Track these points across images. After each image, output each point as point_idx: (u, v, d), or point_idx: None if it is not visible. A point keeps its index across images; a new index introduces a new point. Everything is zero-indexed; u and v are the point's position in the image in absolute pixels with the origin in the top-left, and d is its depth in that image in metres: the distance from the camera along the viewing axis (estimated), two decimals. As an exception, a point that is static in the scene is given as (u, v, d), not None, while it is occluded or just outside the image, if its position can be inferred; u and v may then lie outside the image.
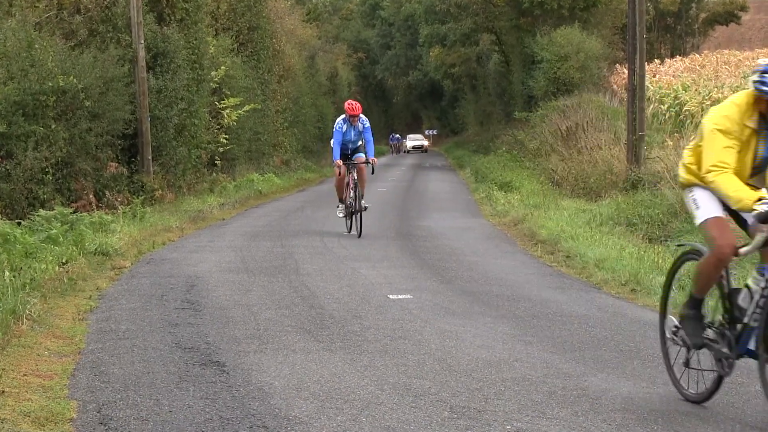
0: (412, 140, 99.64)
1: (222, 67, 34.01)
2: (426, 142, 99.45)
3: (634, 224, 19.74)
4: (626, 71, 30.31)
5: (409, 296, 12.86)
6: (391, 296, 12.84)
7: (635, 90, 25.35)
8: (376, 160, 20.69)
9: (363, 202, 20.30)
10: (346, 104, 20.41)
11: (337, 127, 20.22)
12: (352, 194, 20.36)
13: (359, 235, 19.85)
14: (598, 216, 21.25)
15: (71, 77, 21.54)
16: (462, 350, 9.51)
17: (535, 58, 47.66)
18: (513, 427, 7.03)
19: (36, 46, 21.44)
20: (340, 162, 20.13)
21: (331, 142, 20.52)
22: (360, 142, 20.59)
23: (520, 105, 51.47)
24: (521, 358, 9.24)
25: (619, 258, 15.71)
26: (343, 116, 20.31)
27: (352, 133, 20.30)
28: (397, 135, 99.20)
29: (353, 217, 20.45)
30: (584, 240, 18.00)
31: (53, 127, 20.95)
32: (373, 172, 20.72)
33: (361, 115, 20.23)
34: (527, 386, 8.14)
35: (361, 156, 20.45)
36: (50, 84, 20.92)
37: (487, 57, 72.71)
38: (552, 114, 39.35)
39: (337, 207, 21.09)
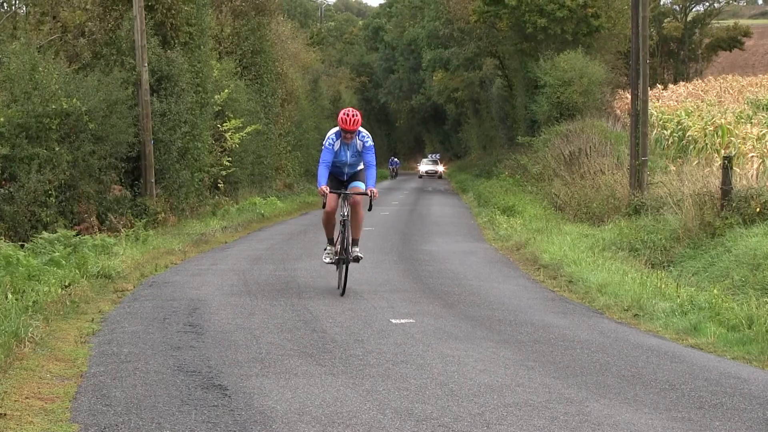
0: (426, 165, 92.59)
1: (225, 91, 34.09)
2: (441, 168, 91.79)
3: (637, 249, 19.72)
4: (629, 96, 30.37)
5: (411, 320, 12.85)
6: (393, 320, 12.83)
7: (638, 115, 25.37)
8: (376, 191, 15.02)
9: (356, 249, 15.24)
10: (340, 114, 14.98)
11: (327, 144, 14.96)
12: (340, 235, 15.29)
13: (342, 293, 15.03)
14: (600, 241, 21.24)
15: (75, 100, 21.59)
16: (464, 375, 9.50)
17: (538, 83, 47.71)
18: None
19: (39, 68, 21.49)
20: (325, 188, 14.81)
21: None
22: (360, 167, 15.40)
23: (523, 129, 51.52)
24: (523, 383, 9.23)
25: (622, 283, 15.70)
26: (335, 129, 15.05)
27: (348, 153, 15.06)
28: (396, 159, 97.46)
29: (340, 266, 15.30)
30: (587, 265, 17.99)
31: (56, 149, 20.99)
32: (370, 208, 15.55)
33: (361, 129, 14.99)
34: (529, 411, 8.13)
35: (359, 186, 15.24)
36: (54, 107, 20.97)
37: (490, 81, 72.86)
38: (555, 138, 39.37)
39: (324, 250, 15.79)
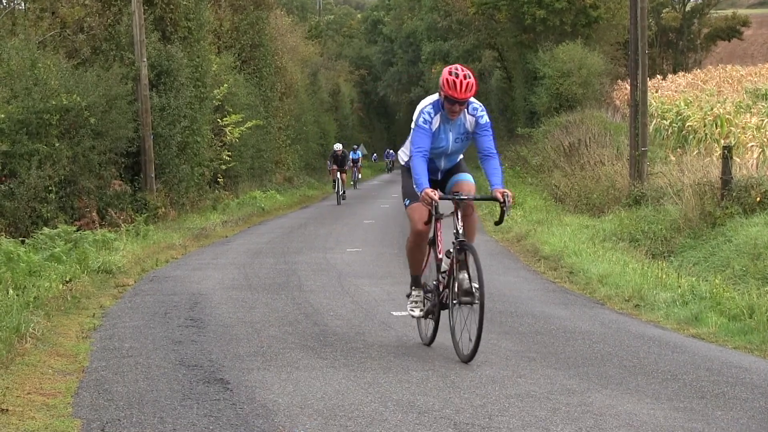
0: None
1: (224, 85, 34.10)
2: None
3: (637, 240, 19.72)
4: (628, 87, 30.36)
5: (412, 313, 12.85)
6: (394, 313, 12.85)
7: (638, 105, 25.35)
8: (511, 192, 9.78)
9: (473, 285, 9.61)
10: (444, 75, 9.53)
11: (421, 122, 9.67)
12: (445, 263, 10.01)
13: (468, 358, 9.53)
14: (601, 232, 21.24)
15: (75, 95, 21.59)
16: (465, 367, 9.49)
17: (537, 74, 47.73)
18: (517, 444, 7.02)
19: (39, 64, 21.49)
20: (432, 193, 9.41)
21: (401, 153, 10.27)
22: (460, 159, 10.45)
23: (523, 121, 51.55)
24: (525, 374, 9.22)
25: (623, 274, 15.70)
26: (432, 99, 9.83)
27: (450, 136, 9.88)
28: (392, 152, 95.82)
29: (438, 313, 10.24)
30: (587, 256, 17.99)
31: (57, 145, 20.99)
32: (500, 221, 10.15)
33: (472, 100, 9.77)
34: (531, 403, 8.13)
35: (466, 180, 10.34)
36: (54, 102, 20.96)
37: (489, 73, 72.82)
38: (554, 130, 39.40)
39: (408, 297, 10.64)
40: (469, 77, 9.48)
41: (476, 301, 9.40)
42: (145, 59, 25.82)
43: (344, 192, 41.38)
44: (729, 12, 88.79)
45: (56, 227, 18.87)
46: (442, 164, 10.22)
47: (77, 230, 19.13)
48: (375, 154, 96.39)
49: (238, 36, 41.67)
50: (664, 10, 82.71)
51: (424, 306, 10.41)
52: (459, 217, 9.82)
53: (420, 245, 10.12)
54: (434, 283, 10.22)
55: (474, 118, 9.82)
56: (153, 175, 26.06)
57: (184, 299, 14.02)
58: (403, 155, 10.22)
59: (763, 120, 30.79)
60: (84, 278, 15.26)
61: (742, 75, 52.81)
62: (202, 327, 11.76)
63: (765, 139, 27.38)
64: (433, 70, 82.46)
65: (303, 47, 60.34)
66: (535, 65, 48.11)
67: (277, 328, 11.67)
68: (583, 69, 45.25)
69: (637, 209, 22.58)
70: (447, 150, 10.01)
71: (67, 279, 14.77)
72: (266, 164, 43.48)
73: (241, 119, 35.25)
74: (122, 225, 22.07)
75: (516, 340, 11.12)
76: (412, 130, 9.81)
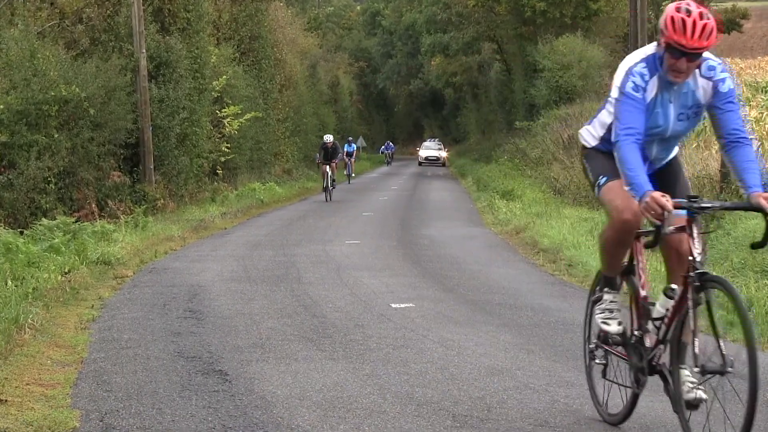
0: (427, 150, 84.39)
1: (223, 77, 34.09)
2: (444, 153, 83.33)
3: (636, 233, 19.70)
4: (628, 80, 30.32)
5: (411, 305, 12.85)
6: (393, 305, 12.83)
7: (637, 98, 25.33)
8: None
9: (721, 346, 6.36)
10: (669, 11, 6.29)
11: (629, 89, 6.25)
12: (660, 306, 6.62)
13: None
14: (600, 224, 21.17)
15: (74, 87, 21.58)
16: (464, 359, 9.50)
17: (536, 67, 47.73)
18: (515, 436, 7.01)
19: (38, 55, 21.48)
20: (665, 198, 5.92)
21: (586, 131, 7.10)
22: (677, 155, 6.98)
23: (522, 114, 51.54)
24: (523, 366, 9.22)
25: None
26: (646, 52, 6.50)
27: (671, 109, 6.42)
28: (391, 143, 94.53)
29: (644, 380, 6.85)
30: (586, 248, 17.98)
31: (56, 136, 21.00)
32: (765, 242, 6.01)
33: (708, 56, 6.44)
34: (529, 395, 8.13)
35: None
36: (53, 93, 20.97)
37: (488, 66, 72.83)
38: (554, 123, 39.39)
39: (600, 297, 7.38)
40: (708, 17, 6.22)
41: (730, 369, 6.19)
42: (144, 50, 25.82)
43: (334, 187, 37.48)
44: (729, 4, 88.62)
45: (55, 218, 18.88)
46: (654, 152, 6.74)
47: (76, 221, 19.13)
48: (383, 147, 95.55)
49: (237, 27, 41.64)
50: (663, 2, 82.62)
51: (619, 322, 6.99)
52: (696, 234, 6.24)
53: (625, 240, 6.84)
54: (636, 334, 6.81)
55: (711, 83, 6.44)
56: (152, 167, 26.07)
57: (182, 291, 14.02)
58: (589, 136, 7.10)
59: (762, 113, 30.75)
60: (83, 269, 15.26)
61: (741, 68, 52.70)
62: (200, 318, 11.76)
63: (764, 132, 27.35)
64: (432, 63, 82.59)
65: (302, 39, 60.33)
66: (534, 58, 48.12)
67: (276, 320, 11.67)
68: (582, 62, 45.24)
69: (636, 202, 22.52)
70: (665, 132, 6.58)
71: (66, 270, 14.77)
72: (265, 156, 43.48)
73: (240, 111, 35.25)
74: (121, 216, 22.08)
75: (515, 332, 11.12)
76: (614, 101, 6.55)
